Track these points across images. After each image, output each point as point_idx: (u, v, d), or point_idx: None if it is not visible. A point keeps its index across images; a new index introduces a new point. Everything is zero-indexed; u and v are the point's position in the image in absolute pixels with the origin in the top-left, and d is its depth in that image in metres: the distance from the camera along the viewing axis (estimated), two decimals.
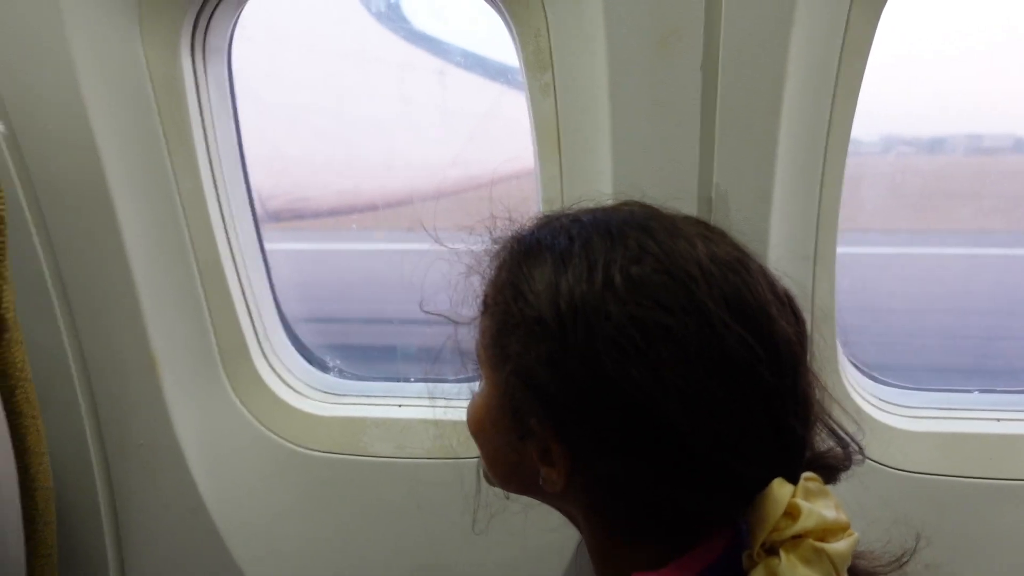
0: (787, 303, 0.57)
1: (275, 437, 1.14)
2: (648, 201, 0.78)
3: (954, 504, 1.00)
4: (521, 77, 0.90)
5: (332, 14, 1.29)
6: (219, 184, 1.07)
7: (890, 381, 1.10)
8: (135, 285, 1.03)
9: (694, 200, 0.87)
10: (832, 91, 0.84)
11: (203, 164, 1.03)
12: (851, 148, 0.89)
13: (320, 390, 1.20)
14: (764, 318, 0.53)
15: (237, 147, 1.12)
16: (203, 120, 1.03)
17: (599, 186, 0.90)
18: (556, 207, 0.93)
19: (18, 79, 0.93)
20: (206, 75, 1.02)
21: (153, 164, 1.00)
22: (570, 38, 0.84)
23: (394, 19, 1.26)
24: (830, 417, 0.60)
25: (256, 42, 1.16)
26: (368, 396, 1.21)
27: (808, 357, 0.57)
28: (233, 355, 1.14)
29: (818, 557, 0.50)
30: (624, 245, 0.54)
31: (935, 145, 1.29)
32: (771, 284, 0.56)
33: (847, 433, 0.61)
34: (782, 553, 0.51)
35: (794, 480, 0.53)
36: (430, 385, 1.15)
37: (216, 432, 1.14)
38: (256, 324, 1.16)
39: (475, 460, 0.68)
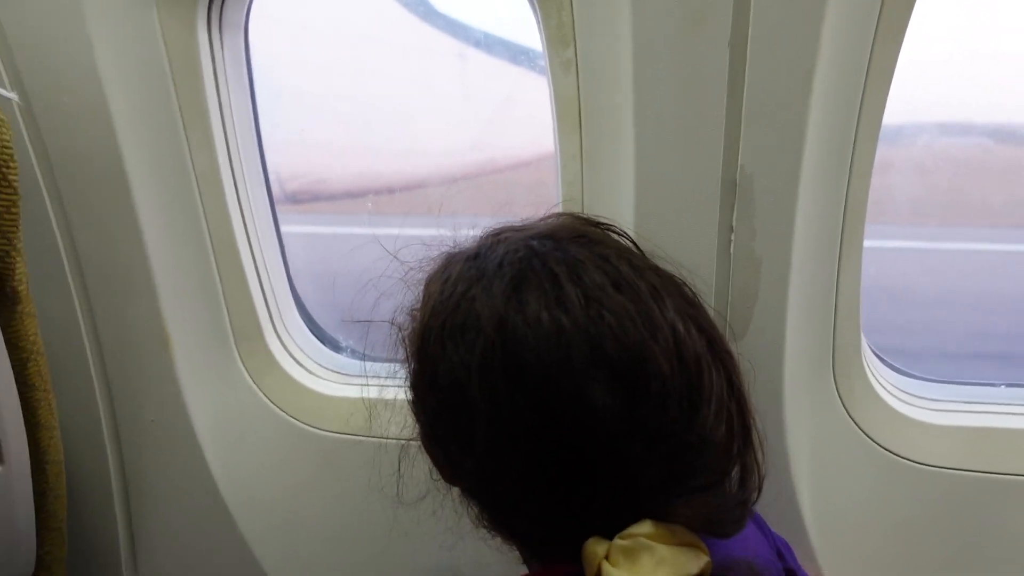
0: (631, 372, 0.54)
1: (286, 416, 1.13)
2: (671, 184, 0.78)
3: (978, 500, 0.97)
4: (542, 53, 0.88)
5: None
6: (234, 161, 1.06)
7: (915, 373, 1.07)
8: (149, 261, 1.02)
9: (718, 182, 0.85)
10: (864, 73, 0.81)
11: (219, 140, 1.02)
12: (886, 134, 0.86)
13: (332, 370, 1.19)
14: (573, 392, 0.53)
15: (253, 124, 1.11)
16: (219, 95, 1.02)
17: (620, 166, 0.87)
18: (576, 187, 0.92)
19: (34, 50, 0.92)
20: (223, 49, 1.01)
21: (169, 138, 0.99)
22: (595, 12, 0.82)
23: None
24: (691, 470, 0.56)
25: (274, 20, 1.14)
26: (380, 377, 1.19)
27: (638, 419, 0.54)
28: (246, 334, 1.13)
29: None
30: (484, 295, 0.57)
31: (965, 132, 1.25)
32: (598, 345, 0.53)
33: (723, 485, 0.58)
34: None
35: (610, 533, 0.53)
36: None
37: (228, 410, 1.13)
38: (270, 303, 1.15)
39: None
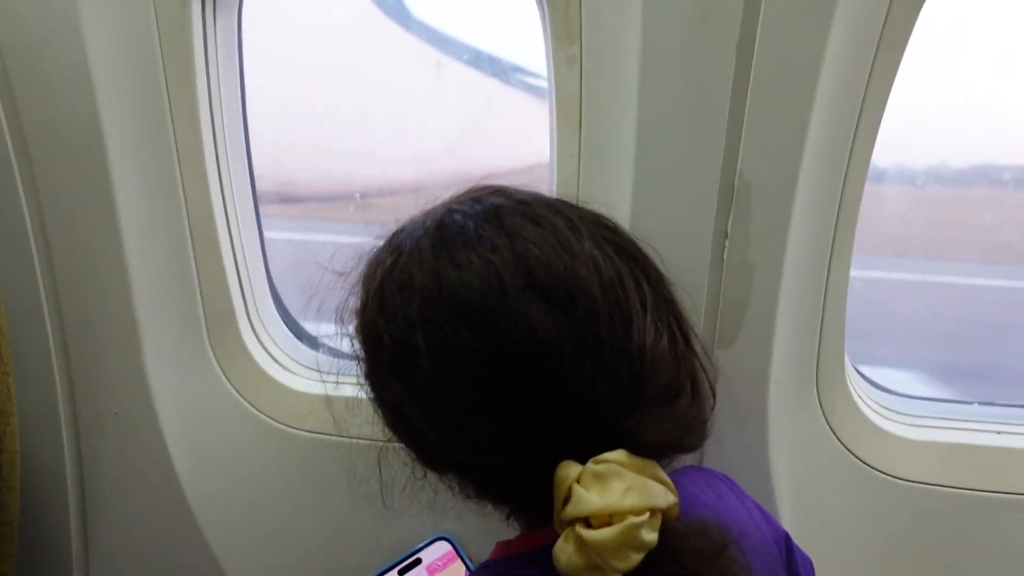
0: (561, 294, 0.56)
1: (255, 411, 1.09)
2: (669, 186, 0.85)
3: (952, 515, 0.98)
4: (546, 47, 0.87)
5: None
6: (219, 142, 1.02)
7: (894, 389, 1.08)
8: (123, 242, 0.98)
9: (716, 186, 0.85)
10: (866, 82, 0.83)
11: (204, 118, 0.99)
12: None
13: (306, 366, 1.15)
14: (513, 317, 0.55)
15: (240, 107, 1.07)
16: (208, 73, 0.98)
17: (619, 166, 0.87)
18: (572, 186, 0.91)
19: (12, 10, 0.88)
20: (215, 26, 0.98)
21: (152, 114, 0.95)
22: (603, 7, 0.81)
23: (397, 7, 1.22)
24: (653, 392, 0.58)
25: (254, 23, 1.11)
26: (354, 376, 1.16)
27: (577, 335, 0.56)
28: (220, 324, 1.09)
29: (581, 542, 0.51)
30: (413, 254, 0.60)
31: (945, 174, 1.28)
32: (528, 273, 0.56)
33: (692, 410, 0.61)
34: (562, 535, 0.53)
35: (583, 460, 0.54)
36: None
37: (196, 403, 1.09)
38: (246, 293, 1.11)
39: None
